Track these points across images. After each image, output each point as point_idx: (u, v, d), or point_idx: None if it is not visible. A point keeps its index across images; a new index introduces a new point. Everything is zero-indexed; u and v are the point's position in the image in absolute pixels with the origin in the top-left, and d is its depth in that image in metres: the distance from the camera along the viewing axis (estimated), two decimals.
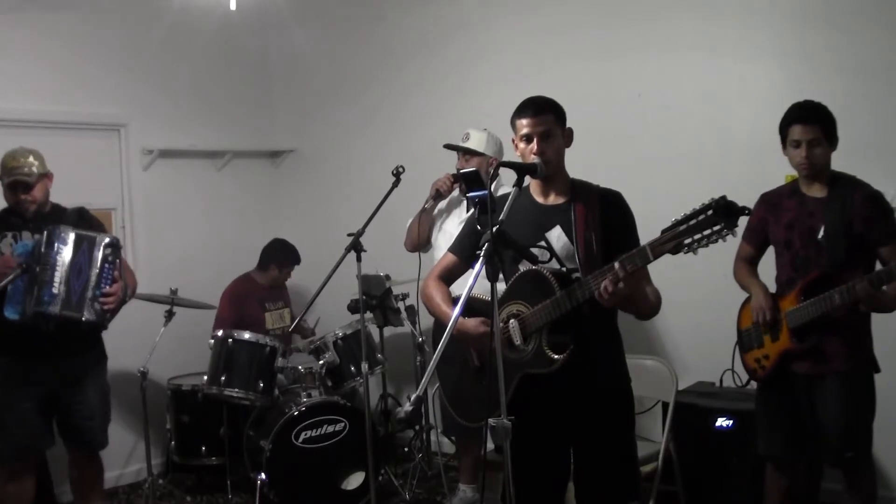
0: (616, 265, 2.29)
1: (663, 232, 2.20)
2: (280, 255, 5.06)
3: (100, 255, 3.48)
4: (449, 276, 2.81)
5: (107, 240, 3.53)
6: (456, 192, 4.05)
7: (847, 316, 2.97)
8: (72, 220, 3.57)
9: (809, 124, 3.01)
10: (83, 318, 3.41)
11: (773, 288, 3.24)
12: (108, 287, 3.48)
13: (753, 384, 3.39)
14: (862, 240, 3.00)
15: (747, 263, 3.34)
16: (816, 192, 3.09)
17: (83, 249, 3.45)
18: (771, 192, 3.24)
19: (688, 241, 2.15)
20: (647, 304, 2.52)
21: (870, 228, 2.99)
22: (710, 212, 2.10)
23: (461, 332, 2.57)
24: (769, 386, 3.23)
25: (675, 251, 2.19)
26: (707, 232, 2.12)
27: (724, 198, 2.10)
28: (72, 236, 3.43)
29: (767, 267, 3.30)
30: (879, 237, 2.99)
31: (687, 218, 2.15)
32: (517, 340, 2.53)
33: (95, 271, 3.45)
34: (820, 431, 3.08)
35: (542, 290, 2.46)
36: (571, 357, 2.41)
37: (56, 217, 3.55)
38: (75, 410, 3.58)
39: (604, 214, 2.54)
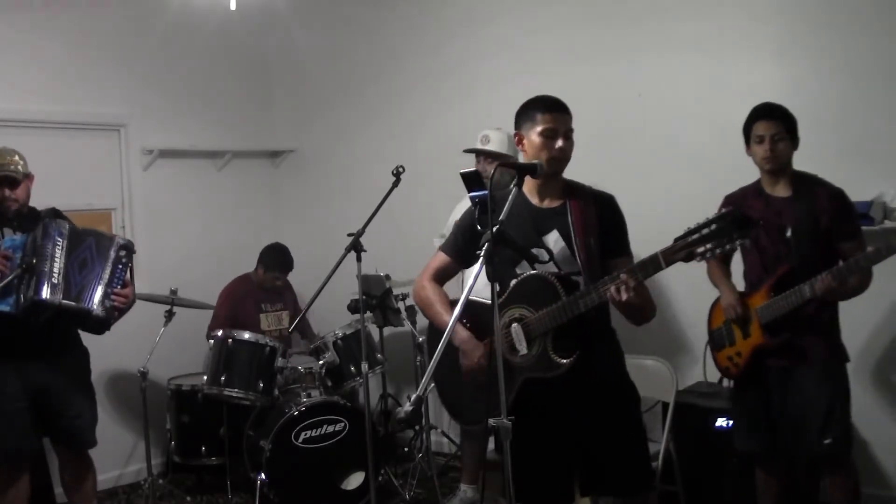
0: (623, 276, 2.31)
1: (676, 240, 2.25)
2: (269, 258, 4.99)
3: (114, 255, 3.46)
4: (442, 277, 2.78)
5: (122, 241, 3.52)
6: None
7: (820, 309, 3.03)
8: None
9: (773, 120, 3.12)
10: (93, 312, 3.34)
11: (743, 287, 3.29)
12: (119, 287, 3.44)
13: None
14: (829, 235, 3.07)
15: (720, 262, 3.38)
16: (781, 191, 3.16)
17: (89, 245, 3.42)
18: (735, 193, 3.29)
19: (700, 249, 2.19)
20: (650, 310, 2.53)
21: (836, 224, 3.06)
22: (723, 222, 2.15)
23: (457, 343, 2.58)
24: (744, 382, 3.28)
25: (687, 259, 2.24)
26: (720, 241, 2.16)
27: (737, 209, 2.16)
28: (68, 229, 3.40)
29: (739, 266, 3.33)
30: (845, 233, 3.07)
31: (700, 227, 2.20)
32: (520, 345, 2.52)
33: (108, 270, 3.42)
34: (795, 424, 3.11)
35: (546, 294, 2.46)
36: (577, 361, 2.42)
37: (34, 217, 3.49)
38: (65, 410, 3.51)
39: (600, 218, 2.55)
